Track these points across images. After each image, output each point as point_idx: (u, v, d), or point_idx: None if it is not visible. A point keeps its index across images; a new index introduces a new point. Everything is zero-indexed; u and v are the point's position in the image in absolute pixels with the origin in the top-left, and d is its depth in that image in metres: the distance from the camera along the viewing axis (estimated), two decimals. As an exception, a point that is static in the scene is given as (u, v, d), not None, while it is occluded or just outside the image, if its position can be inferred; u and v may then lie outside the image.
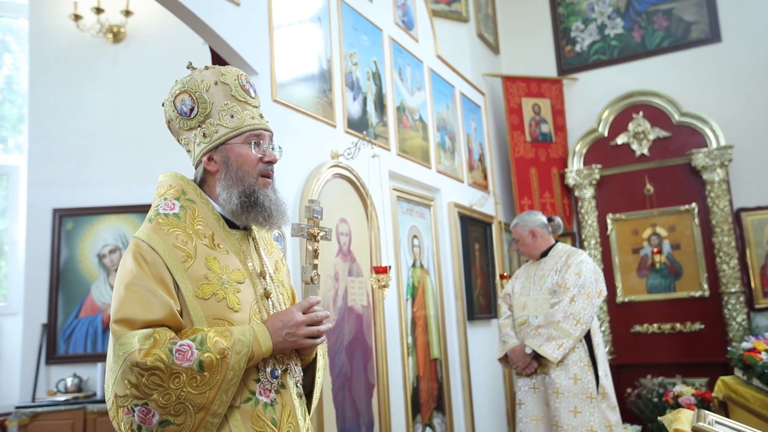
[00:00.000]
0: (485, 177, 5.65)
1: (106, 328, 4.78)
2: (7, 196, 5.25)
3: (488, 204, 5.49)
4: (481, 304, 4.94)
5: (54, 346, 4.74)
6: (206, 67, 1.57)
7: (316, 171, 3.06)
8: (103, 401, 4.33)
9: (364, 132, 3.54)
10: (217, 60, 3.04)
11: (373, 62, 3.89)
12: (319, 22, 3.37)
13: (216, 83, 1.53)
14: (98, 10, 5.11)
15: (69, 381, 4.59)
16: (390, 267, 3.04)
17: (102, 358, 4.61)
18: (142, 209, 4.84)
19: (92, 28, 5.15)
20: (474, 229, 5.06)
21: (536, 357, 3.36)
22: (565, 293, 3.35)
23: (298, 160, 3.00)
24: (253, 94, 1.58)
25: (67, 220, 4.93)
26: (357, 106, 3.63)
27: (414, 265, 4.16)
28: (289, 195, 2.89)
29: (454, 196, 4.81)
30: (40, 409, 4.31)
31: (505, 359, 3.59)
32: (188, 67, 1.59)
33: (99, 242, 4.93)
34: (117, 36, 5.23)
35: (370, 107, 3.77)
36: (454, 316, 4.56)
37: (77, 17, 5.06)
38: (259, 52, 2.85)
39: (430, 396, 4.10)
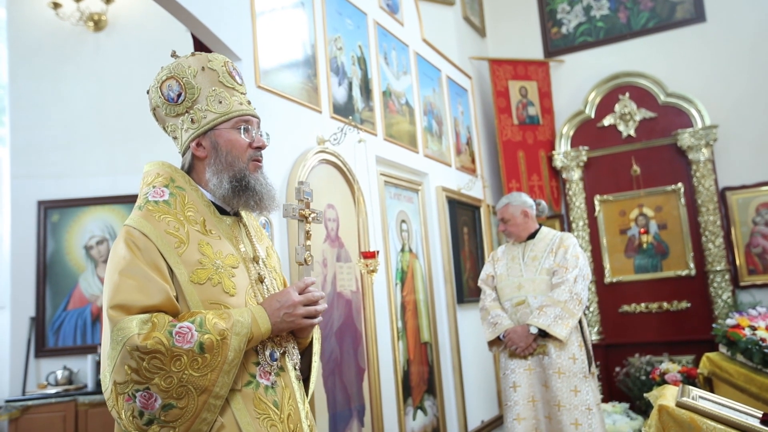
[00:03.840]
0: (473, 160, 5.65)
1: (95, 320, 4.75)
2: (-9, 189, 5.18)
3: (476, 187, 5.50)
4: (470, 287, 4.97)
5: (43, 339, 4.71)
6: (192, 54, 1.56)
7: (302, 157, 3.05)
8: (94, 393, 4.32)
9: (350, 117, 3.52)
10: (200, 47, 3.00)
11: (358, 47, 3.87)
12: (302, 6, 3.33)
13: (203, 69, 1.52)
14: (78, -2, 5.02)
15: (59, 373, 4.57)
16: (378, 252, 3.04)
17: (92, 349, 4.60)
18: (128, 200, 4.80)
19: (72, 16, 5.06)
20: (462, 212, 5.07)
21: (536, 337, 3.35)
22: (568, 273, 3.35)
23: (283, 146, 2.99)
24: (239, 81, 1.58)
25: (53, 212, 4.88)
26: (342, 92, 3.61)
27: (403, 250, 4.17)
28: (276, 181, 2.87)
29: (442, 180, 4.82)
30: (30, 403, 4.29)
31: (496, 341, 3.50)
32: (172, 56, 1.57)
33: (86, 234, 4.89)
34: (98, 24, 5.15)
35: (356, 92, 3.75)
36: (444, 299, 4.59)
37: (56, 5, 4.96)
38: (242, 39, 2.82)
39: (420, 379, 4.13)
